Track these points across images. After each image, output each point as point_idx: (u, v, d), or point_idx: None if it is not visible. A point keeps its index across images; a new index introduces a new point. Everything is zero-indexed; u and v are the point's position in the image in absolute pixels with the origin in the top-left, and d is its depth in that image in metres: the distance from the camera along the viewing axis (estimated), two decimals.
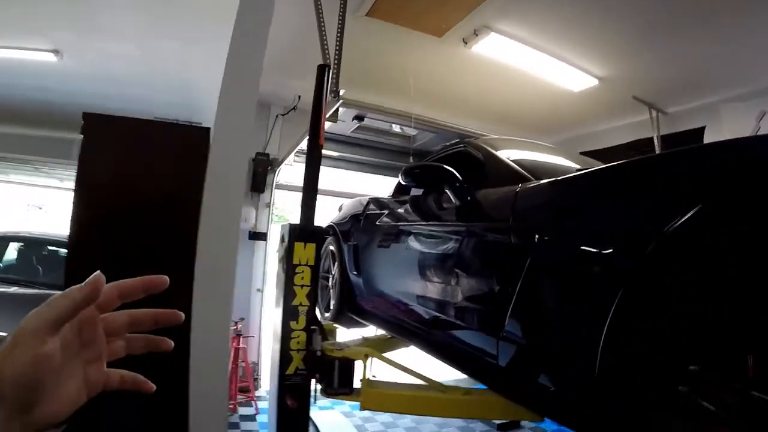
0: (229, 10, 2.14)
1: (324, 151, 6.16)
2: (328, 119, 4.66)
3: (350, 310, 3.41)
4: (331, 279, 3.75)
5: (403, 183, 2.23)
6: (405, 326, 2.61)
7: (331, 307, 3.70)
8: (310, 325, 2.10)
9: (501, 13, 3.61)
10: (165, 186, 2.14)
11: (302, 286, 2.10)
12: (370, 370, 2.06)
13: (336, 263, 3.67)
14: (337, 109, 3.22)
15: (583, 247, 1.40)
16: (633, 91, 4.91)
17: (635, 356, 1.15)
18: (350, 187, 6.59)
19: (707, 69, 4.28)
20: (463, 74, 4.77)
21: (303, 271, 2.12)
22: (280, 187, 6.29)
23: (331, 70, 2.57)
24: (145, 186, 2.19)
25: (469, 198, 2.09)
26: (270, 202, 6.06)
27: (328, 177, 6.64)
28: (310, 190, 2.26)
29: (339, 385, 2.00)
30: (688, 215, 1.05)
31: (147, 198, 2.18)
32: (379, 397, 2.06)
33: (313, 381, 2.15)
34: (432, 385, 2.11)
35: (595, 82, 4.72)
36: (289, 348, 2.09)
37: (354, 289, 3.31)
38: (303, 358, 2.07)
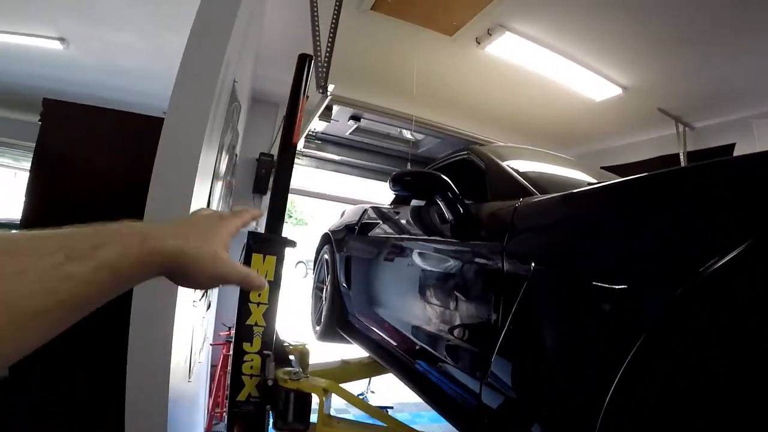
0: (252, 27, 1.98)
1: (322, 153, 6.10)
2: (321, 118, 4.48)
3: (339, 326, 3.16)
4: (324, 290, 3.52)
5: (392, 191, 1.92)
6: (387, 351, 2.35)
7: (322, 322, 3.48)
8: (264, 348, 1.83)
9: (517, 11, 3.32)
10: (122, 174, 2.05)
11: (258, 304, 1.83)
12: (328, 406, 1.77)
13: (329, 274, 3.45)
14: (330, 108, 2.97)
15: (593, 282, 1.10)
16: (659, 102, 4.55)
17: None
18: (354, 193, 6.34)
19: (739, 82, 3.93)
20: (475, 77, 4.47)
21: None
22: None
23: (319, 64, 2.32)
24: (101, 172, 2.14)
25: (462, 212, 1.79)
26: None
27: (331, 181, 6.43)
28: (278, 195, 2.00)
29: (293, 419, 1.73)
30: (735, 253, 0.75)
31: (102, 184, 2.11)
32: None
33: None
34: (395, 429, 1.83)
35: (618, 91, 4.38)
36: (241, 372, 1.83)
37: (345, 303, 3.07)
38: (256, 384, 1.80)
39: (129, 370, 1.67)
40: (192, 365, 2.50)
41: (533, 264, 1.29)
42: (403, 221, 2.53)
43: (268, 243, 1.89)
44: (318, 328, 3.52)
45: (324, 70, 2.43)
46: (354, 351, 2.91)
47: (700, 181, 0.99)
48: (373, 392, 5.86)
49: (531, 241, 1.39)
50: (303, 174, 6.57)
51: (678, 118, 4.75)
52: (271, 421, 1.80)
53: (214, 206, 2.64)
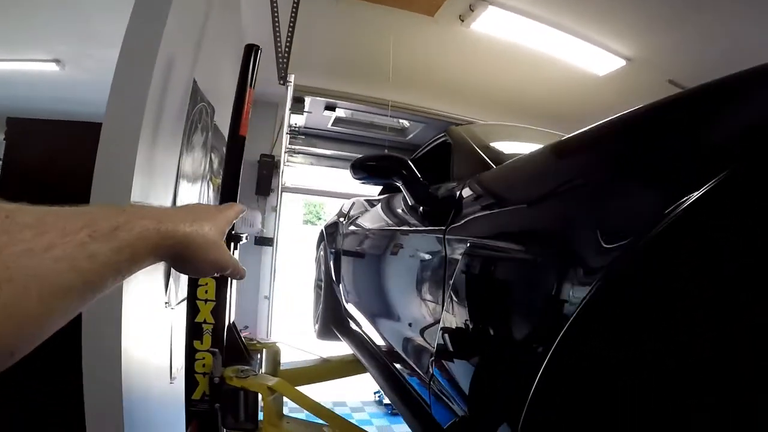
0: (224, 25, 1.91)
1: (312, 149, 6.02)
2: (294, 111, 4.41)
3: (333, 323, 3.10)
4: (322, 287, 3.48)
5: (354, 179, 1.81)
6: (364, 347, 2.27)
7: (318, 320, 3.44)
8: (215, 345, 1.76)
9: None
10: (83, 182, 2.02)
11: (206, 300, 1.77)
12: (278, 405, 1.69)
13: (324, 271, 3.40)
14: (302, 100, 2.88)
15: (521, 255, 0.96)
16: (669, 74, 4.24)
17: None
18: (357, 188, 6.26)
19: (758, 47, 3.64)
20: (462, 57, 4.28)
21: (207, 284, 1.78)
22: (287, 189, 6.03)
23: (279, 55, 2.24)
24: (64, 182, 2.03)
25: (421, 195, 1.67)
26: (277, 206, 5.72)
27: (335, 177, 6.36)
28: (229, 189, 1.92)
29: (242, 418, 1.66)
30: (707, 186, 0.57)
31: (66, 193, 2.06)
32: None
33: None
34: (337, 423, 1.74)
35: (622, 63, 4.12)
36: (194, 370, 1.77)
37: (338, 299, 3.00)
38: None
39: (84, 373, 1.65)
40: (173, 367, 2.46)
41: (467, 244, 1.17)
42: (378, 211, 2.46)
43: None
44: (317, 326, 3.48)
45: (284, 61, 2.34)
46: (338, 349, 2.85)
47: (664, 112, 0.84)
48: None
49: (469, 220, 1.27)
50: (304, 172, 6.53)
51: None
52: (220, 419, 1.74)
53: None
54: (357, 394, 6.01)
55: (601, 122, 0.94)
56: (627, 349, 0.65)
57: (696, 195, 0.57)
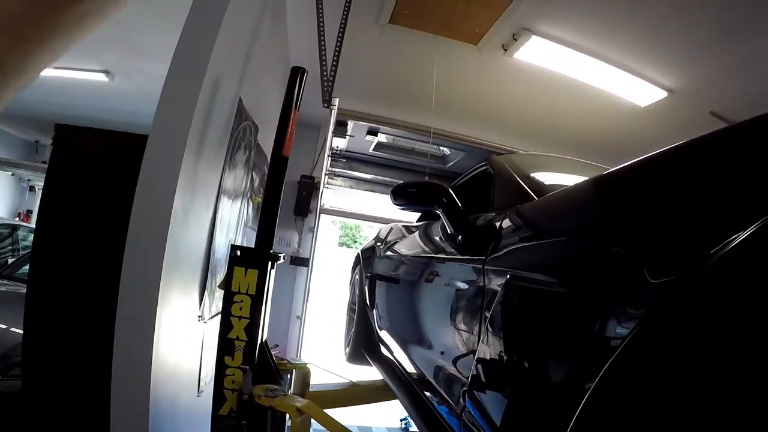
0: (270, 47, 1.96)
1: (352, 173, 6.08)
2: (337, 134, 4.46)
3: (365, 347, 3.08)
4: (356, 310, 3.48)
5: (394, 205, 1.81)
6: (395, 374, 2.24)
7: (350, 343, 3.42)
8: (246, 363, 1.77)
9: (540, 12, 3.14)
10: (126, 193, 2.08)
11: (240, 318, 1.77)
12: (305, 426, 1.67)
13: (359, 294, 3.41)
14: (345, 123, 2.92)
15: (564, 288, 0.94)
16: (710, 105, 4.13)
17: None
18: (393, 213, 6.28)
19: None
20: (504, 86, 4.28)
21: (242, 300, 1.79)
22: (325, 211, 6.09)
23: (324, 79, 2.28)
24: (107, 190, 2.14)
25: (461, 224, 1.65)
26: (314, 227, 5.78)
27: (373, 201, 6.40)
28: (269, 208, 1.94)
29: None
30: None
31: (109, 202, 2.08)
32: None
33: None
34: None
35: (663, 94, 4.02)
36: (223, 386, 1.77)
37: (371, 323, 2.99)
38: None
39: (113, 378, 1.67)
40: (202, 380, 2.48)
41: (508, 275, 1.15)
42: (415, 238, 2.45)
43: (251, 256, 1.84)
44: (347, 349, 3.47)
45: (329, 84, 2.38)
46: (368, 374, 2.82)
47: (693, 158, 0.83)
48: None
49: (510, 251, 1.25)
50: (343, 195, 6.60)
51: (734, 123, 4.31)
52: None
53: (226, 222, 2.64)
54: (383, 419, 5.92)
55: (649, 154, 0.92)
56: (674, 390, 0.62)
57: (745, 234, 0.55)
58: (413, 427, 5.82)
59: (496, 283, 1.21)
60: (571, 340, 0.87)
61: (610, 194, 1.06)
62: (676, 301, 0.63)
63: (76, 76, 5.06)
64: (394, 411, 5.82)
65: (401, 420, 6.13)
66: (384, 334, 2.52)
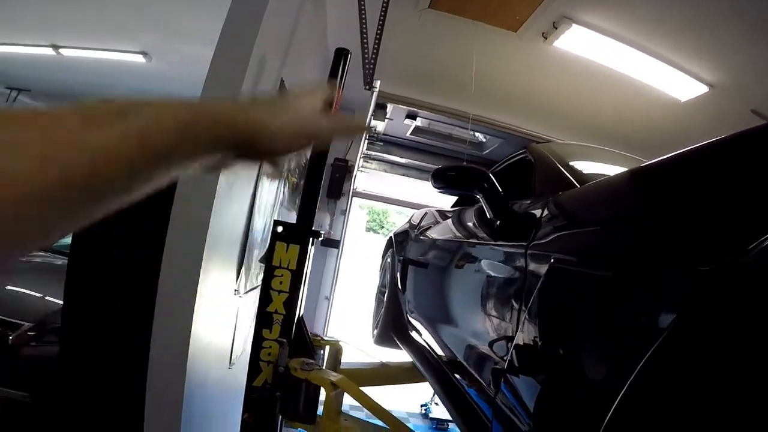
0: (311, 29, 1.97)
1: (388, 156, 6.10)
2: (376, 117, 4.47)
3: (393, 330, 3.12)
4: (385, 294, 3.52)
5: (434, 188, 1.83)
6: (425, 357, 2.27)
7: (378, 325, 3.47)
8: (283, 336, 1.81)
9: (579, 1, 3.10)
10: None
11: (280, 291, 1.82)
12: (338, 401, 1.71)
13: (390, 277, 3.45)
14: (384, 106, 2.93)
15: (607, 276, 0.95)
16: (752, 103, 3.97)
17: None
18: (425, 198, 6.25)
19: None
20: (543, 74, 4.21)
21: (282, 275, 1.83)
22: (358, 195, 6.14)
23: (366, 61, 2.29)
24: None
25: (501, 210, 1.66)
26: (346, 209, 5.85)
27: (406, 186, 6.40)
28: (312, 187, 1.98)
29: (301, 409, 1.69)
30: None
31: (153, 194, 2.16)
32: None
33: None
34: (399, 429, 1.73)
35: (704, 89, 3.90)
36: (259, 358, 1.82)
37: (401, 306, 3.03)
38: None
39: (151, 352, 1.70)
40: (233, 353, 2.55)
41: (551, 261, 1.16)
42: (450, 223, 2.47)
43: (292, 231, 1.88)
44: (375, 331, 3.52)
45: (371, 66, 2.39)
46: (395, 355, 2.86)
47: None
48: (437, 404, 5.73)
49: (554, 237, 1.26)
50: (375, 179, 6.62)
51: None
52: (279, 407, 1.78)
53: (264, 201, 2.68)
54: (403, 404, 5.97)
55: (692, 146, 0.93)
56: (718, 378, 0.62)
57: None
58: (433, 413, 5.87)
59: (538, 269, 1.22)
60: (616, 327, 0.88)
61: (658, 184, 1.06)
62: (718, 294, 0.64)
63: (114, 57, 5.17)
64: (415, 396, 5.86)
65: (421, 405, 6.17)
66: (414, 317, 2.55)
